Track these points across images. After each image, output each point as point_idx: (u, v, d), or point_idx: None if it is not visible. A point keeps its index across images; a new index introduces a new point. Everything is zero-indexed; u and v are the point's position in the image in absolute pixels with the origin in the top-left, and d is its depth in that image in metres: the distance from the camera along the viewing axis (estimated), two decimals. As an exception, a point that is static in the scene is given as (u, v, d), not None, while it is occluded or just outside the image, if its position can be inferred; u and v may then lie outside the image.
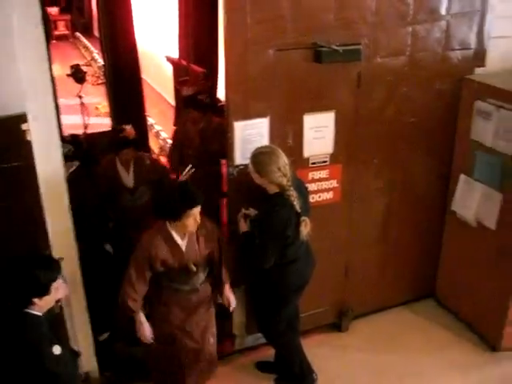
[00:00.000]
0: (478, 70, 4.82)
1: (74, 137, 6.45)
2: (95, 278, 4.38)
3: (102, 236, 5.28)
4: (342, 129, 4.40)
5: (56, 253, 3.63)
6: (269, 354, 4.64)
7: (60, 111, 5.18)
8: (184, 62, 6.78)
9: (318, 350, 4.62)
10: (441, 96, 4.75)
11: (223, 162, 4.12)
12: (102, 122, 8.45)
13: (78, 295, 4.11)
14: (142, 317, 3.88)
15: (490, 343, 4.92)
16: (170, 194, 3.71)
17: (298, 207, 3.78)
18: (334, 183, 4.53)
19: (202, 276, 3.95)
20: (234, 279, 4.12)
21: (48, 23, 10.06)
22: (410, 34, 4.43)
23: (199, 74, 6.17)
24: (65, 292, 3.21)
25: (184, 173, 4.64)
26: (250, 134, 4.06)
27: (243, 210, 3.96)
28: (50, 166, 3.66)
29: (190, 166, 4.64)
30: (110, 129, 6.51)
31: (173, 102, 7.73)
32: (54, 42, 15.41)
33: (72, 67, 7.10)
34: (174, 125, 6.74)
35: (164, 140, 8.06)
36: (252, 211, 3.94)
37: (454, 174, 4.92)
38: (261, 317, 4.36)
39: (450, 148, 4.92)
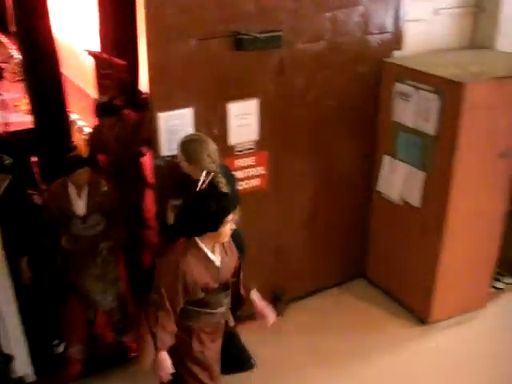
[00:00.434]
0: (396, 53, 4.92)
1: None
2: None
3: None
4: (267, 115, 4.42)
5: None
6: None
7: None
8: (105, 56, 6.65)
9: (254, 337, 4.64)
10: (362, 79, 4.83)
11: (148, 152, 4.08)
12: (23, 120, 8.22)
13: (6, 297, 4.01)
14: (165, 354, 3.31)
15: (420, 317, 5.07)
16: (205, 203, 3.17)
17: None
18: (260, 170, 4.55)
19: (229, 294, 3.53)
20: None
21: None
22: (329, 19, 4.48)
23: (121, 67, 6.07)
24: None
25: None
26: (175, 125, 4.04)
27: (171, 202, 3.93)
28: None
29: None
30: (32, 127, 6.29)
31: (96, 95, 7.61)
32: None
33: (-13, 65, 6.87)
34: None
35: (87, 135, 7.92)
36: (179, 202, 3.91)
37: (378, 154, 5.03)
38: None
39: (373, 130, 5.01)
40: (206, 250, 3.26)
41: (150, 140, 4.11)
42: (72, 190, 4.38)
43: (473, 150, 4.42)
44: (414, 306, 5.12)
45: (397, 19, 4.82)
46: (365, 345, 4.82)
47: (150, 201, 4.27)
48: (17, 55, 11.70)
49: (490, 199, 4.74)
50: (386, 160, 4.93)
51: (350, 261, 5.47)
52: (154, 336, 3.21)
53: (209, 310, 3.40)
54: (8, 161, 4.57)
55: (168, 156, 4.07)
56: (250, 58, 4.20)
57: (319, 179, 4.95)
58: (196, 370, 3.50)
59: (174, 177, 3.96)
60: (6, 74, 7.92)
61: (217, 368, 3.65)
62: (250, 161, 4.47)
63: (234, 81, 4.22)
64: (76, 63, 8.34)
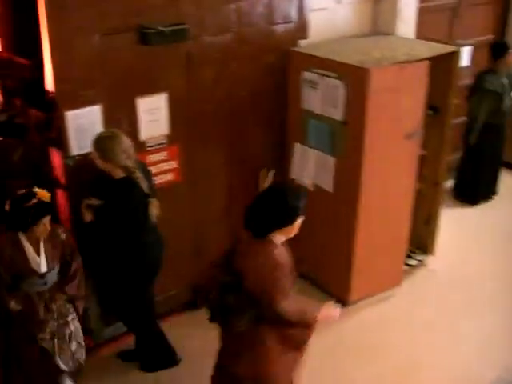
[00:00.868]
0: (302, 42, 5.00)
1: None
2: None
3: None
4: (176, 109, 4.41)
5: None
6: (130, 342, 4.58)
7: None
8: (6, 55, 6.45)
9: (179, 331, 4.64)
10: (270, 69, 4.87)
11: (56, 153, 3.99)
12: None
13: None
14: None
15: (340, 299, 5.17)
16: (280, 198, 3.22)
17: (145, 189, 3.76)
18: (173, 164, 4.53)
19: None
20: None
21: None
22: (235, 11, 4.50)
23: (24, 67, 5.89)
24: None
25: None
26: (83, 123, 3.97)
27: (85, 201, 3.87)
28: None
29: None
30: None
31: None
32: None
33: None
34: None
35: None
36: (94, 200, 3.86)
37: (290, 143, 5.10)
38: (118, 305, 4.31)
39: (284, 118, 5.07)
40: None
41: (58, 140, 4.02)
42: (27, 245, 3.63)
43: (380, 133, 4.54)
44: (334, 288, 5.23)
45: (301, 9, 4.88)
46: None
47: (62, 202, 4.16)
48: None
49: (399, 180, 4.90)
50: (298, 147, 5.01)
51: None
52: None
53: None
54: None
55: (78, 155, 4.00)
56: (157, 52, 4.17)
57: (233, 170, 4.97)
58: None
59: (87, 175, 3.90)
60: None
61: None
62: (162, 155, 4.44)
63: (142, 76, 4.18)
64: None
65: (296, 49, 4.91)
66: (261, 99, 4.91)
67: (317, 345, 4.69)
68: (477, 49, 6.85)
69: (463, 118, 6.73)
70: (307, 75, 4.74)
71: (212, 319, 3.40)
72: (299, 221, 3.31)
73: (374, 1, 5.50)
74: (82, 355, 3.97)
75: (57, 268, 3.79)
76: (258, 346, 3.31)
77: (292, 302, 3.29)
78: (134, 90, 4.17)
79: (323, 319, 3.47)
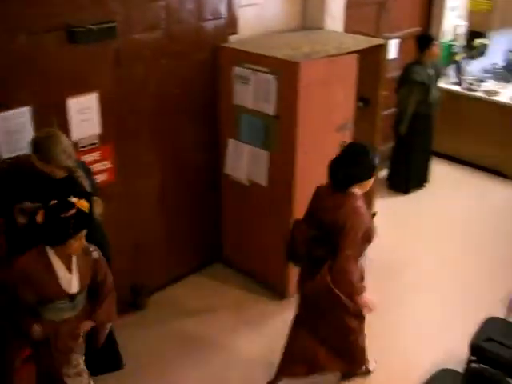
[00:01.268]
0: (233, 38, 5.02)
1: None
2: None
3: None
4: (108, 108, 4.35)
5: None
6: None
7: None
8: None
9: (120, 333, 4.59)
10: (201, 66, 4.88)
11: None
12: None
13: None
14: None
15: (279, 292, 5.24)
16: (363, 155, 3.68)
17: (87, 187, 3.68)
18: (106, 164, 4.48)
19: None
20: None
21: None
22: (163, 8, 4.48)
23: None
24: None
25: None
26: (13, 125, 3.86)
27: (19, 205, 3.76)
28: None
29: None
30: None
31: None
32: None
33: None
34: None
35: None
36: (28, 204, 3.76)
37: (223, 138, 5.11)
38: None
39: (217, 114, 5.09)
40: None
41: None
42: (57, 262, 3.29)
43: (312, 125, 4.61)
44: (272, 282, 5.28)
45: (230, 4, 4.90)
46: (228, 327, 4.91)
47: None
48: None
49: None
50: (231, 143, 5.03)
51: (207, 245, 5.53)
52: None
53: None
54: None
55: (9, 158, 3.90)
56: (86, 51, 4.11)
57: (168, 168, 4.95)
58: None
59: (19, 178, 3.81)
60: None
61: None
62: (95, 155, 4.38)
63: (71, 76, 4.10)
64: None
65: (226, 44, 4.93)
66: (192, 96, 4.90)
67: (253, 339, 4.80)
68: (404, 41, 7.03)
69: (393, 109, 6.89)
70: (238, 70, 4.77)
71: (305, 274, 3.93)
72: (373, 177, 3.74)
73: (302, -5, 5.58)
74: None
75: (85, 291, 3.47)
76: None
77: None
78: (64, 90, 4.09)
79: (367, 300, 3.83)
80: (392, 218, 6.45)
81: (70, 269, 3.32)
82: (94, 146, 4.37)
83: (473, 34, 8.15)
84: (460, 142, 7.78)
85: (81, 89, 4.18)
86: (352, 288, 3.72)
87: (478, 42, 8.08)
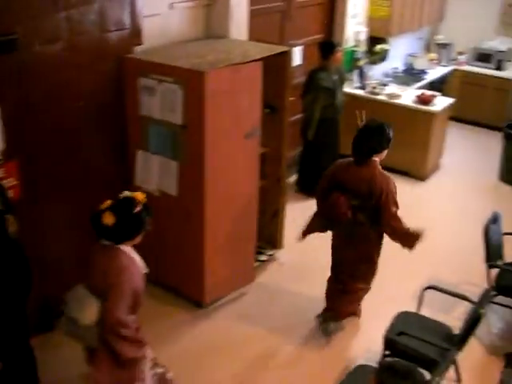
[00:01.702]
0: (138, 49, 4.99)
1: None
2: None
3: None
4: (11, 123, 4.21)
5: None
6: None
7: None
8: None
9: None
10: (107, 77, 4.83)
11: None
12: None
13: None
14: None
15: (196, 302, 5.24)
16: (381, 130, 4.56)
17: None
18: (12, 181, 4.30)
19: None
20: None
21: None
22: (65, 19, 4.40)
23: None
24: None
25: None
26: None
27: None
28: None
29: None
30: None
31: None
32: None
33: None
34: None
35: None
36: None
37: (132, 150, 5.06)
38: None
39: (124, 126, 5.04)
40: None
41: None
42: (137, 257, 3.61)
43: (220, 134, 4.64)
44: (189, 292, 5.28)
45: (134, 15, 4.87)
46: (150, 339, 4.84)
47: None
48: None
49: (243, 179, 5.03)
50: (140, 154, 4.99)
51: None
52: None
53: None
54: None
55: None
56: (-16, 65, 4.00)
57: (77, 183, 4.85)
58: None
59: None
60: None
61: None
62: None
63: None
64: None
65: (131, 55, 4.89)
66: (99, 108, 4.83)
67: (172, 350, 4.77)
68: (308, 48, 7.18)
69: (300, 115, 7.03)
70: (144, 81, 4.74)
71: (347, 237, 4.77)
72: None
73: (206, 5, 5.61)
74: None
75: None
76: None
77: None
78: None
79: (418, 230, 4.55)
80: (303, 222, 6.56)
81: None
82: (-3, 164, 4.23)
83: (374, 39, 8.45)
84: (366, 144, 8.02)
85: (-18, 104, 4.06)
86: (404, 230, 4.54)
87: (379, 47, 8.39)
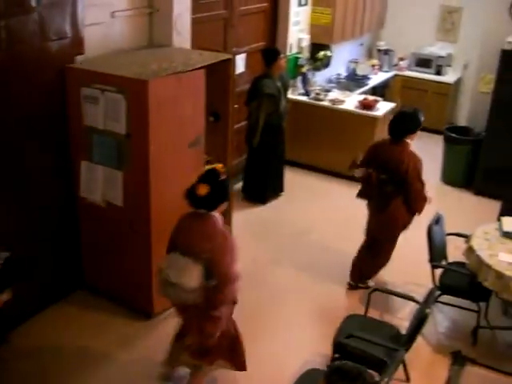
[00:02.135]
0: (79, 58, 4.92)
1: None
2: None
3: None
4: None
5: None
6: None
7: None
8: None
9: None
10: (48, 88, 4.74)
11: None
12: None
13: None
14: None
15: (145, 312, 5.19)
16: (414, 114, 5.40)
17: None
18: None
19: None
20: None
21: None
22: (4, 28, 4.30)
23: None
24: None
25: None
26: None
27: None
28: None
29: None
30: None
31: None
32: None
33: None
34: None
35: None
36: None
37: (76, 161, 4.98)
38: None
39: (67, 137, 4.96)
40: None
41: None
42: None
43: (164, 143, 4.63)
44: (137, 303, 5.23)
45: (75, 24, 4.79)
46: (99, 352, 4.81)
47: None
48: None
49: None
50: (84, 165, 4.91)
51: (68, 273, 5.34)
52: None
53: None
54: None
55: None
56: None
57: (18, 197, 4.73)
58: None
59: None
60: None
61: None
62: None
63: None
64: None
65: (73, 65, 4.83)
66: (40, 119, 4.74)
67: (122, 361, 4.73)
68: (251, 56, 7.22)
69: (244, 122, 7.06)
70: (87, 91, 4.68)
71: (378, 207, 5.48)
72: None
73: (148, 13, 5.59)
74: None
75: None
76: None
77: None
78: None
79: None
80: (251, 228, 6.60)
81: None
82: None
83: (316, 46, 8.56)
84: (310, 149, 8.14)
85: None
86: (425, 199, 5.33)
87: (321, 54, 8.49)
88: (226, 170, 4.04)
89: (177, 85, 4.61)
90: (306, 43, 8.38)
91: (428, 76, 10.15)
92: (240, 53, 6.93)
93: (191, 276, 3.85)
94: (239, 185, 7.47)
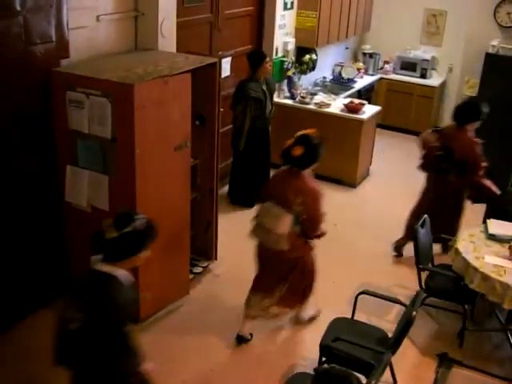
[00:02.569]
0: (64, 62, 4.89)
1: None
2: None
3: None
4: None
5: None
6: None
7: None
8: None
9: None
10: (32, 92, 4.70)
11: None
12: None
13: None
14: None
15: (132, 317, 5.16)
16: (476, 104, 6.04)
17: None
18: None
19: None
20: None
21: None
22: (-14, 32, 4.30)
23: None
24: None
25: None
26: None
27: None
28: None
29: None
30: None
31: None
32: None
33: None
34: None
35: None
36: None
37: (62, 166, 4.94)
38: None
39: (53, 142, 4.92)
40: None
41: None
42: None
43: (150, 147, 4.60)
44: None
45: (60, 28, 4.76)
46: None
47: None
48: None
49: (175, 191, 5.01)
50: (69, 170, 4.87)
51: (54, 278, 5.25)
52: None
53: None
54: None
55: None
56: None
57: (2, 202, 4.69)
58: None
59: None
60: None
61: None
62: None
63: None
64: None
65: (58, 69, 4.79)
66: (25, 124, 4.70)
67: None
68: (236, 59, 7.22)
69: (230, 126, 7.06)
70: (72, 95, 4.65)
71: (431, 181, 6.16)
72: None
73: (134, 17, 5.57)
74: None
75: None
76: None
77: None
78: None
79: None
80: (240, 232, 6.57)
81: None
82: None
83: (302, 49, 8.58)
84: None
85: None
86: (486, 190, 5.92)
87: (307, 57, 8.52)
88: (318, 134, 4.72)
89: (162, 89, 4.59)
90: (291, 47, 8.39)
91: (413, 79, 10.21)
92: (225, 56, 6.93)
93: (283, 223, 4.56)
94: (226, 188, 7.47)
